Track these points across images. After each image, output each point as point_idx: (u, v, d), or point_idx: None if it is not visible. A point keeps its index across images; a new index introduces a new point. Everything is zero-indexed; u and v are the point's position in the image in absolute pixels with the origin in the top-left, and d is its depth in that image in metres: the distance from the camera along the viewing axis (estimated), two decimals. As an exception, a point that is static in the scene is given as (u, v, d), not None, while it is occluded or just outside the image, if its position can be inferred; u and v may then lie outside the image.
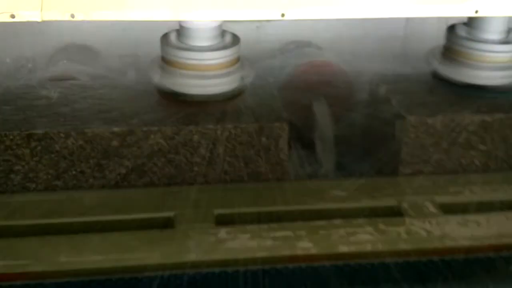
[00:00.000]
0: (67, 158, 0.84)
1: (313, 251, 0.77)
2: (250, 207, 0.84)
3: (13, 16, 0.70)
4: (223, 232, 0.79)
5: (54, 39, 1.10)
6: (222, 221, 0.81)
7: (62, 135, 0.83)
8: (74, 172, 0.85)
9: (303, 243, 0.78)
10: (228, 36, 0.94)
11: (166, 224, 0.81)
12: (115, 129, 0.84)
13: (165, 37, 0.93)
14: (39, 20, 0.71)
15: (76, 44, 1.12)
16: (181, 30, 0.93)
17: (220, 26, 0.93)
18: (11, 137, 0.83)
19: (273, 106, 0.92)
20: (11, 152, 0.83)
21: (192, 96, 0.91)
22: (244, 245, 0.77)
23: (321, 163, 0.95)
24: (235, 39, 0.94)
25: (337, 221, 0.81)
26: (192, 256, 0.76)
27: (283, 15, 0.74)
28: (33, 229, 0.79)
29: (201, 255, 0.76)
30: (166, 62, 0.92)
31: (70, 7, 0.71)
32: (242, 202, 0.85)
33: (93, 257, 0.75)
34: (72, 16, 0.71)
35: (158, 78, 0.93)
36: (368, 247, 0.78)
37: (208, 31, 0.92)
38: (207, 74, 0.91)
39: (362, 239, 0.78)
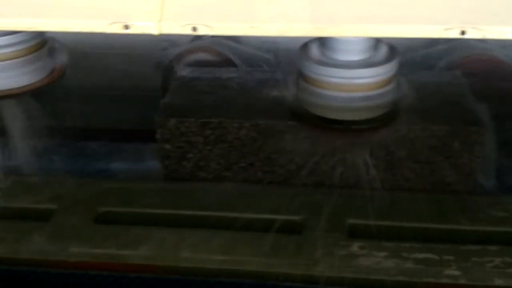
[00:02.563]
0: (238, 150, 0.80)
1: (462, 281, 0.65)
2: (392, 220, 0.73)
3: (126, 27, 0.63)
4: (355, 246, 0.69)
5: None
6: (356, 233, 0.71)
7: (235, 125, 0.79)
8: (243, 165, 0.81)
9: (451, 271, 0.66)
10: (383, 48, 0.80)
11: (293, 229, 0.73)
12: (290, 122, 0.78)
13: (304, 47, 0.81)
14: (156, 33, 0.64)
15: None
16: (324, 40, 0.79)
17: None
18: (186, 124, 0.80)
19: (467, 105, 0.80)
20: (185, 139, 0.80)
21: (331, 120, 0.79)
22: (379, 264, 0.67)
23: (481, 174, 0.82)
24: (393, 52, 0.79)
25: (494, 248, 0.68)
26: (318, 270, 0.67)
27: (463, 32, 0.60)
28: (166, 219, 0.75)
29: (328, 270, 0.67)
30: (304, 79, 0.81)
31: (192, 18, 0.63)
32: (385, 213, 0.74)
33: (214, 257, 0.69)
34: (194, 29, 0.63)
35: (293, 96, 0.83)
36: (530, 283, 0.64)
37: (359, 43, 0.77)
38: (355, 96, 0.78)
39: (522, 272, 0.65)
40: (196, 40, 1.02)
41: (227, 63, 0.98)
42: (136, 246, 0.70)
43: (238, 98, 0.85)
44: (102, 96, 0.97)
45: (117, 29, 0.63)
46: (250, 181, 0.81)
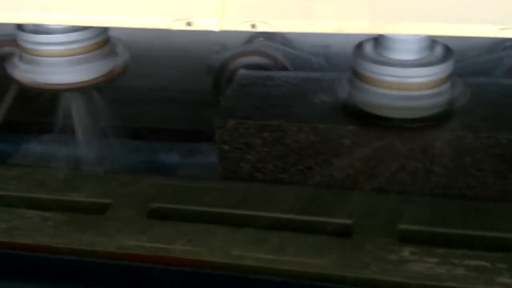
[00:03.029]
0: (296, 152, 0.81)
1: (515, 289, 0.64)
2: (444, 226, 0.72)
3: (189, 24, 0.64)
4: (406, 252, 0.69)
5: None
6: (407, 238, 0.71)
7: (294, 128, 0.80)
8: (301, 167, 0.81)
9: (503, 278, 0.65)
10: (438, 49, 0.80)
11: (342, 232, 0.73)
12: (350, 126, 0.79)
13: (359, 47, 0.82)
14: (216, 29, 0.65)
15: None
16: (380, 39, 0.80)
17: (429, 36, 0.79)
18: (245, 125, 0.81)
19: None
20: (244, 141, 0.82)
21: (386, 119, 0.80)
22: (430, 270, 0.66)
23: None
24: (448, 53, 0.80)
25: (547, 258, 0.67)
26: (368, 273, 0.67)
27: None
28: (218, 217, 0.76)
29: (378, 274, 0.67)
30: (358, 77, 0.81)
31: (251, 16, 0.64)
32: (438, 219, 0.73)
33: (263, 255, 0.69)
34: (253, 26, 0.64)
35: (347, 94, 0.83)
36: None
37: (415, 42, 0.78)
38: (409, 94, 0.78)
39: None
40: (247, 44, 1.03)
41: (278, 66, 0.99)
42: (185, 241, 0.71)
43: (296, 101, 0.85)
44: (155, 96, 0.99)
45: (180, 25, 0.65)
46: (307, 184, 0.81)
